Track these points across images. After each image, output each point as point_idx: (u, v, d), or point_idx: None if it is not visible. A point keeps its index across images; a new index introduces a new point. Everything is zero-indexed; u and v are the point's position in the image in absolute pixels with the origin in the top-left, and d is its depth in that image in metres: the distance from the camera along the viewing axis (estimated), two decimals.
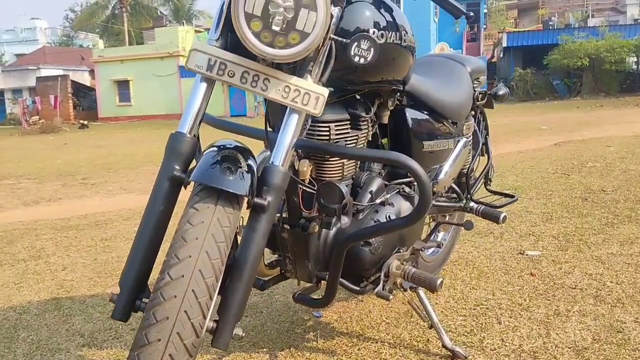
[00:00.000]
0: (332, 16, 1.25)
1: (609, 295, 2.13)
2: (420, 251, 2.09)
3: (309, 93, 1.24)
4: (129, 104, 27.46)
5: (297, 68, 1.28)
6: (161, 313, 0.96)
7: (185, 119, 1.26)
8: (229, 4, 1.19)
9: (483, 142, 2.49)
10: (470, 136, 2.21)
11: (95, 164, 8.88)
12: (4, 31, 45.21)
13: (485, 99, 2.38)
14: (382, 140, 1.83)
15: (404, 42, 1.51)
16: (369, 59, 1.26)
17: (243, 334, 1.21)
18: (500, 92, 2.37)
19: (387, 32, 1.45)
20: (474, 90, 2.29)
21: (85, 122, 24.95)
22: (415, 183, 1.84)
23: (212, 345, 1.17)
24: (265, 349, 1.84)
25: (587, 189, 4.20)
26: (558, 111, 17.34)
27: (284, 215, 1.58)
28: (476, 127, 2.34)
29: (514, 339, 1.81)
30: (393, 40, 1.47)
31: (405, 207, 1.70)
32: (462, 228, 2.23)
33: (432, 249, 2.40)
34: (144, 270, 1.17)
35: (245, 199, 1.14)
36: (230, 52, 1.24)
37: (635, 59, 23.63)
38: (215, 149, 1.20)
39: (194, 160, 1.26)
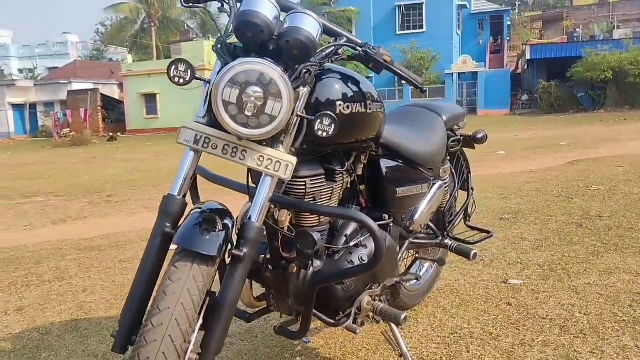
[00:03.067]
0: (299, 97, 1.49)
1: (575, 326, 2.31)
2: (401, 284, 2.32)
3: (280, 162, 1.48)
4: (156, 116, 28.15)
5: (271, 139, 1.51)
6: (144, 354, 1.20)
7: (176, 183, 1.51)
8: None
9: (465, 179, 2.69)
10: (446, 179, 2.42)
11: (121, 180, 9.26)
12: (37, 45, 46.70)
13: (466, 142, 2.60)
14: (360, 187, 2.05)
15: (370, 109, 1.74)
16: (330, 132, 1.49)
17: None
18: (479, 136, 2.57)
19: (353, 103, 1.68)
20: (454, 134, 2.51)
21: (114, 135, 25.68)
22: (391, 225, 2.09)
23: None
24: None
25: (585, 214, 4.35)
26: (581, 125, 17.31)
27: (268, 256, 1.82)
28: (453, 170, 2.54)
29: None
30: (359, 110, 1.70)
31: None
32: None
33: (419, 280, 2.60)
34: (139, 311, 1.42)
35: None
36: (214, 128, 1.48)
37: None
38: (199, 210, 1.45)
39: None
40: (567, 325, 2.31)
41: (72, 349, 2.39)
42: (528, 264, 3.18)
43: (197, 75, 1.49)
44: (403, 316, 1.81)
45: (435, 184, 2.29)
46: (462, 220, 2.69)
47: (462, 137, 2.59)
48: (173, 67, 1.47)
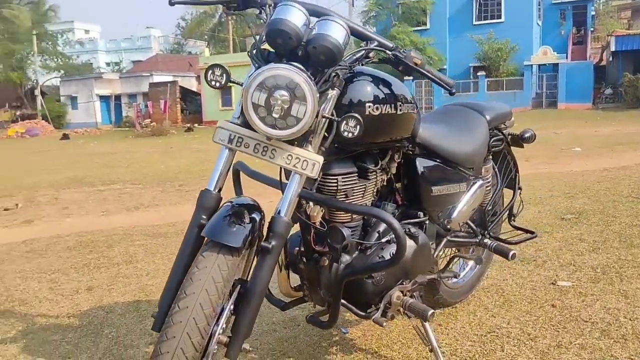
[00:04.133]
0: (327, 100, 1.58)
1: (617, 330, 2.26)
2: (440, 280, 2.36)
3: (307, 160, 1.57)
4: (231, 108, 28.91)
5: (301, 138, 1.60)
6: (170, 333, 1.33)
7: (212, 179, 1.64)
8: None
9: (512, 178, 2.67)
10: (488, 178, 2.42)
11: (193, 170, 9.67)
12: (122, 39, 49.16)
13: (514, 141, 2.60)
14: (396, 185, 2.11)
15: (400, 110, 1.79)
16: (355, 133, 1.57)
17: (250, 348, 1.57)
18: (527, 135, 2.56)
19: (382, 104, 1.73)
20: (501, 133, 2.52)
21: (191, 126, 26.69)
22: (427, 223, 2.13)
23: (225, 356, 1.54)
24: (291, 359, 2.18)
25: None
26: None
27: (302, 249, 1.92)
28: (496, 169, 2.54)
29: None
30: (388, 111, 1.75)
31: (409, 245, 1.96)
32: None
33: (458, 278, 2.63)
34: (175, 295, 1.55)
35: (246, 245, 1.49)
36: (247, 129, 1.59)
37: None
38: (229, 205, 1.56)
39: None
40: (609, 330, 2.27)
41: (131, 327, 2.59)
42: (581, 266, 3.11)
43: (232, 79, 1.60)
44: (430, 312, 1.86)
45: (475, 183, 2.30)
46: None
47: (508, 136, 2.59)
48: (210, 71, 1.59)
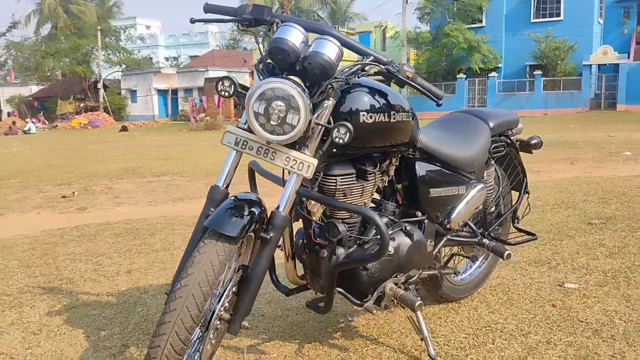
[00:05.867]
0: (323, 109, 1.78)
1: (609, 331, 2.36)
2: (442, 276, 2.52)
3: (303, 162, 1.78)
4: None
5: (300, 143, 1.81)
6: (172, 306, 1.57)
7: (221, 176, 1.87)
8: None
9: (520, 182, 2.80)
10: (490, 182, 2.56)
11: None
12: (181, 35, 50.62)
13: (522, 147, 2.73)
14: (398, 186, 2.29)
15: (393, 119, 1.96)
16: (345, 139, 1.76)
17: (249, 325, 1.79)
18: (533, 141, 2.69)
19: (376, 113, 1.92)
20: (508, 140, 2.65)
21: None
22: (426, 222, 2.31)
23: (227, 331, 1.78)
24: (297, 341, 2.40)
25: None
26: None
27: (305, 242, 2.13)
28: (500, 173, 2.67)
29: (493, 358, 2.18)
30: (382, 120, 1.93)
31: (404, 241, 2.14)
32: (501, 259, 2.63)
33: (463, 276, 2.78)
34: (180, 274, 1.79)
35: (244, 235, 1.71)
36: (251, 133, 1.81)
37: None
38: (232, 199, 1.79)
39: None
40: (601, 330, 2.37)
41: (160, 306, 2.86)
42: (593, 270, 3.18)
43: (239, 90, 1.83)
44: (418, 303, 2.04)
45: (475, 186, 2.45)
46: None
47: (517, 142, 2.72)
48: (220, 82, 1.83)
